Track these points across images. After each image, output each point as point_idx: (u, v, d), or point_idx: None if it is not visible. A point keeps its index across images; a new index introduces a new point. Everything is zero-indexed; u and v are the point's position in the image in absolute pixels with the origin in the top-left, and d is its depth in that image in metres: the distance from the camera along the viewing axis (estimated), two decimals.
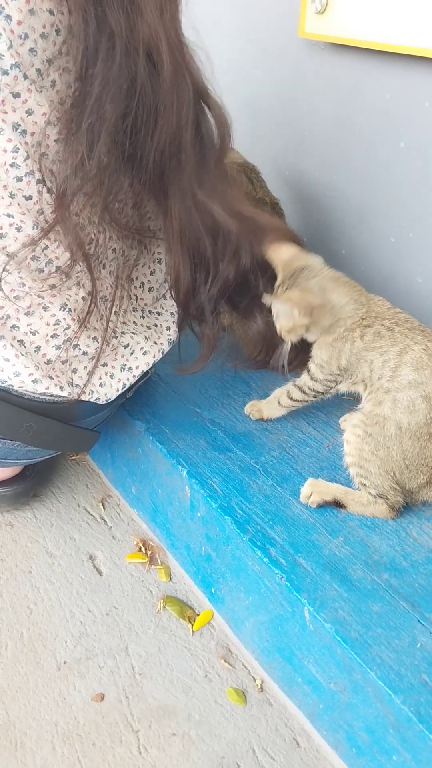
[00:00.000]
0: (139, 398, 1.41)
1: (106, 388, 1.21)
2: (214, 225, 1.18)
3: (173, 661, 1.17)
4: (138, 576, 1.32)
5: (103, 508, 1.48)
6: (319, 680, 1.01)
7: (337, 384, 1.17)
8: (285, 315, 1.13)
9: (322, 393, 1.19)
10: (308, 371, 1.19)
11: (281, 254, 1.17)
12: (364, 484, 1.12)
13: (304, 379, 1.20)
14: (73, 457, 1.61)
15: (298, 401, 1.24)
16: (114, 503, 1.49)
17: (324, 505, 1.15)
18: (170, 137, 1.05)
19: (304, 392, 1.21)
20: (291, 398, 1.23)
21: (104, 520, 1.45)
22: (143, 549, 1.37)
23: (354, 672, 0.93)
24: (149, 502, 1.38)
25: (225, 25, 1.72)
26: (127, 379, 1.23)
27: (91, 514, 1.46)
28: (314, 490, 1.15)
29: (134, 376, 1.23)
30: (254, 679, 1.15)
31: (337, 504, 1.15)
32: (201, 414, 1.38)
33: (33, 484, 1.46)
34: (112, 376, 1.21)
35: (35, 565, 1.33)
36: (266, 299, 1.14)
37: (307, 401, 1.23)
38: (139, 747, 1.05)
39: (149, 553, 1.37)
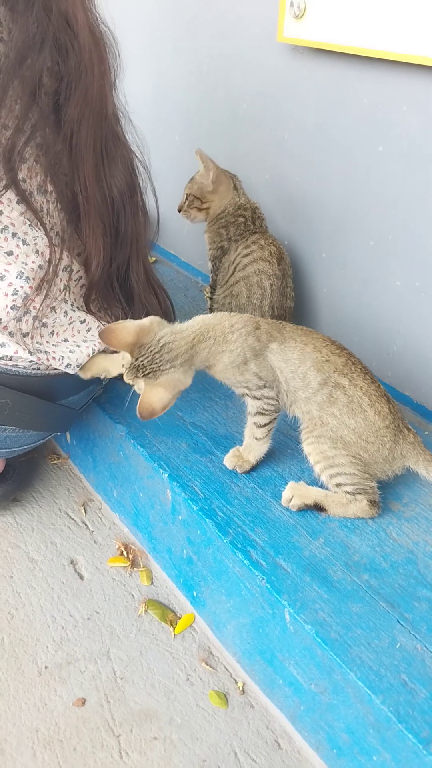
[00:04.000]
0: (120, 402, 1.41)
1: (77, 353, 1.21)
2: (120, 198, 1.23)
3: (155, 665, 1.17)
4: (120, 580, 1.32)
5: (85, 512, 1.47)
6: (300, 682, 1.01)
7: (273, 387, 1.15)
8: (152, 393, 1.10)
9: (277, 400, 1.16)
10: (250, 398, 1.16)
11: (124, 339, 1.09)
12: (340, 484, 1.13)
13: (254, 404, 1.16)
14: (54, 461, 1.60)
15: (268, 423, 1.19)
16: (95, 507, 1.49)
17: (305, 509, 1.15)
18: (93, 104, 1.11)
19: (265, 412, 1.17)
20: (261, 426, 1.19)
21: (86, 525, 1.44)
22: (125, 553, 1.37)
23: (334, 673, 0.93)
24: (131, 505, 1.38)
25: (204, 31, 1.73)
26: (92, 349, 1.23)
27: (73, 519, 1.45)
28: (295, 493, 1.15)
29: (95, 347, 1.23)
30: (236, 682, 1.15)
31: (318, 507, 1.15)
32: (182, 417, 1.38)
33: (13, 488, 1.45)
34: (78, 346, 1.22)
35: (16, 570, 1.33)
36: (144, 414, 1.09)
37: (275, 415, 1.19)
38: (120, 751, 1.05)
39: (131, 556, 1.36)
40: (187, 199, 1.56)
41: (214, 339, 1.11)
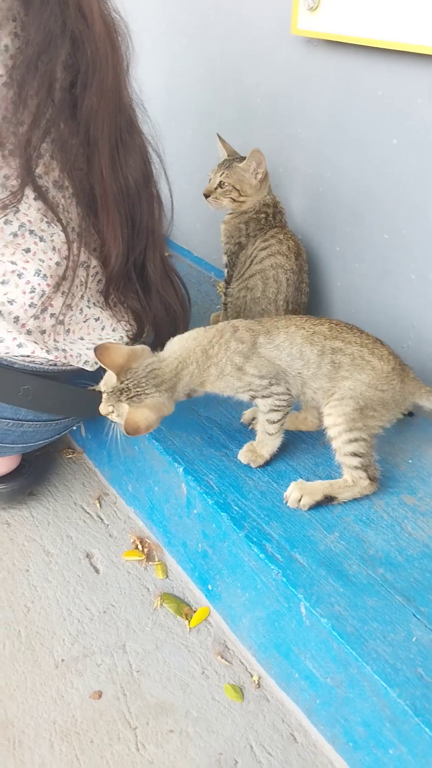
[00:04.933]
0: None
1: (92, 352, 1.21)
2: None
3: (170, 659, 1.17)
4: (135, 573, 1.33)
5: (100, 506, 1.48)
6: (315, 675, 1.01)
7: (280, 383, 1.15)
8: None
9: (288, 393, 1.16)
10: (259, 398, 1.16)
11: (115, 360, 1.10)
12: (353, 453, 1.13)
13: (265, 403, 1.16)
14: (69, 456, 1.61)
15: (281, 419, 1.19)
16: (110, 501, 1.49)
17: (315, 506, 1.15)
18: (108, 95, 1.11)
19: (277, 408, 1.17)
20: (273, 422, 1.19)
21: (101, 518, 1.45)
22: (140, 547, 1.38)
23: (350, 666, 0.93)
24: (146, 499, 1.38)
25: (216, 25, 1.72)
26: None
27: (88, 513, 1.46)
28: (304, 492, 1.15)
29: None
30: (251, 675, 1.15)
31: (328, 499, 1.15)
32: (197, 411, 1.38)
33: (29, 481, 1.46)
34: (94, 344, 1.23)
35: (32, 564, 1.33)
36: (129, 431, 1.08)
37: (287, 410, 1.18)
38: (137, 744, 1.05)
39: (146, 550, 1.37)
40: (221, 186, 1.49)
41: (196, 362, 1.12)
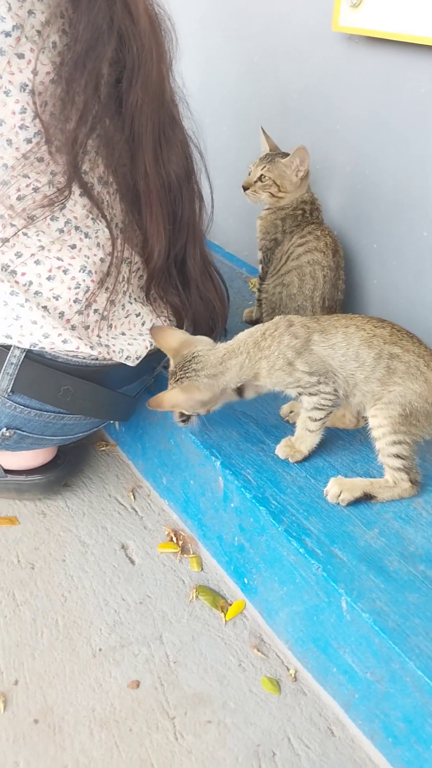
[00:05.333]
0: None
1: (135, 346, 1.23)
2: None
3: (207, 650, 1.18)
4: (170, 566, 1.34)
5: (134, 498, 1.49)
6: (355, 670, 1.02)
7: (329, 382, 1.15)
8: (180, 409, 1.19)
9: (335, 394, 1.16)
10: (305, 396, 1.16)
11: (169, 343, 1.18)
12: (396, 455, 1.13)
13: (311, 400, 1.16)
14: (103, 448, 1.62)
15: (323, 418, 1.19)
16: (144, 494, 1.51)
17: (354, 503, 1.15)
18: (152, 90, 1.12)
19: (322, 407, 1.17)
20: (315, 420, 1.19)
21: (135, 510, 1.46)
22: (174, 539, 1.39)
23: (392, 662, 0.94)
24: (180, 492, 1.39)
25: (254, 21, 1.72)
26: (149, 342, 1.26)
27: (122, 504, 1.47)
28: (344, 488, 1.15)
29: (152, 342, 1.26)
30: (288, 669, 1.16)
31: (367, 497, 1.15)
32: (232, 406, 1.38)
33: (64, 473, 1.48)
34: (135, 339, 1.24)
35: (69, 554, 1.35)
36: (150, 407, 1.17)
37: (331, 410, 1.19)
38: (175, 733, 1.06)
39: (180, 543, 1.38)
40: (261, 180, 1.49)
41: (247, 353, 1.14)
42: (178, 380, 1.15)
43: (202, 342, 1.18)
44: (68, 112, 1.03)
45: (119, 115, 1.12)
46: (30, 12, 0.98)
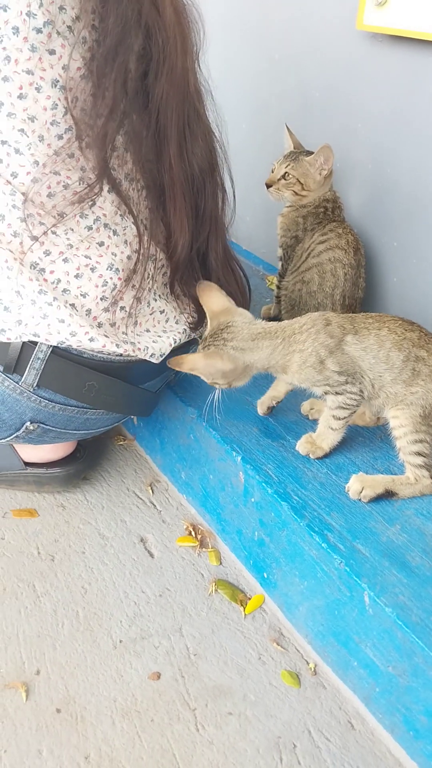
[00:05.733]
0: (189, 386, 1.43)
1: (159, 343, 1.24)
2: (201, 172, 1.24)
3: (227, 643, 1.19)
4: (189, 559, 1.35)
5: (152, 492, 1.50)
6: (376, 664, 1.03)
7: (356, 383, 1.16)
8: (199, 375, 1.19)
9: (360, 394, 1.16)
10: (332, 394, 1.17)
11: (211, 304, 1.20)
12: (418, 452, 1.14)
13: (336, 399, 1.17)
14: (121, 443, 1.63)
15: (347, 417, 1.20)
16: (162, 488, 1.51)
17: (375, 499, 1.16)
18: (177, 82, 1.12)
19: (346, 406, 1.18)
20: (339, 418, 1.20)
21: (153, 504, 1.47)
22: (193, 533, 1.39)
23: (415, 656, 0.95)
24: (199, 487, 1.40)
25: (275, 18, 1.73)
26: (174, 339, 1.27)
27: (141, 498, 1.48)
28: (365, 484, 1.16)
29: (175, 339, 1.27)
30: (307, 663, 1.17)
31: (389, 493, 1.16)
32: (252, 402, 1.39)
33: (84, 466, 1.49)
34: (159, 336, 1.26)
35: (88, 546, 1.36)
36: (170, 365, 1.17)
37: (355, 409, 1.19)
38: (196, 725, 1.07)
39: (199, 537, 1.39)
40: (285, 177, 1.50)
41: (283, 338, 1.15)
42: (206, 346, 1.15)
43: (242, 315, 1.18)
44: (98, 107, 1.04)
45: (146, 109, 1.12)
46: (61, 8, 0.98)
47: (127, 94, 1.06)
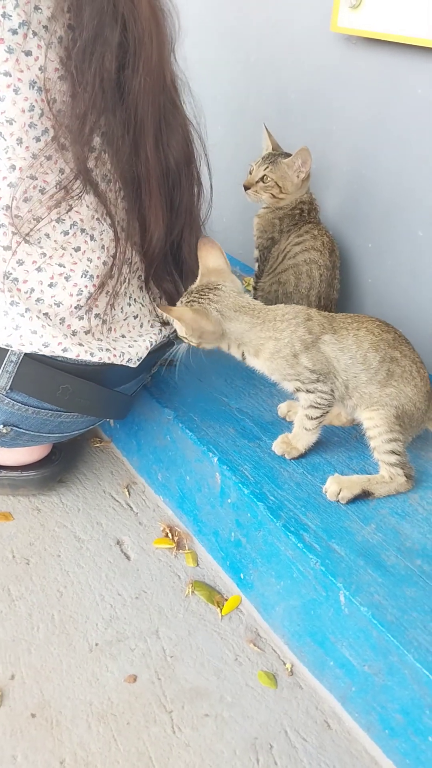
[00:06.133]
0: (166, 387, 1.42)
1: (135, 348, 1.24)
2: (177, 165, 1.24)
3: (203, 645, 1.19)
4: (166, 561, 1.34)
5: (129, 494, 1.49)
6: (352, 663, 1.03)
7: (327, 382, 1.17)
8: (178, 326, 1.18)
9: (331, 394, 1.17)
10: (303, 392, 1.17)
11: (208, 261, 1.19)
12: (392, 451, 1.15)
13: (307, 397, 1.17)
14: (97, 445, 1.63)
15: (320, 416, 1.20)
16: (139, 490, 1.51)
17: (353, 500, 1.16)
18: (153, 74, 1.10)
19: (318, 405, 1.18)
20: (312, 418, 1.20)
21: (130, 506, 1.46)
22: (170, 535, 1.39)
23: (390, 654, 0.95)
24: (176, 488, 1.40)
25: (252, 20, 1.73)
26: (149, 342, 1.26)
27: (117, 500, 1.48)
28: (342, 486, 1.16)
29: (151, 341, 1.27)
30: (284, 663, 1.17)
31: (365, 493, 1.17)
32: (228, 403, 1.39)
33: (59, 469, 1.47)
34: (135, 341, 1.25)
35: (64, 550, 1.35)
36: (159, 310, 1.19)
37: (327, 409, 1.19)
38: (173, 727, 1.07)
39: (176, 538, 1.38)
40: (263, 180, 1.49)
41: (263, 320, 1.15)
42: (190, 301, 1.15)
43: (234, 282, 1.18)
44: (77, 105, 1.03)
45: (123, 103, 1.11)
46: (36, 8, 0.98)
47: (104, 90, 1.05)
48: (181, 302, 1.17)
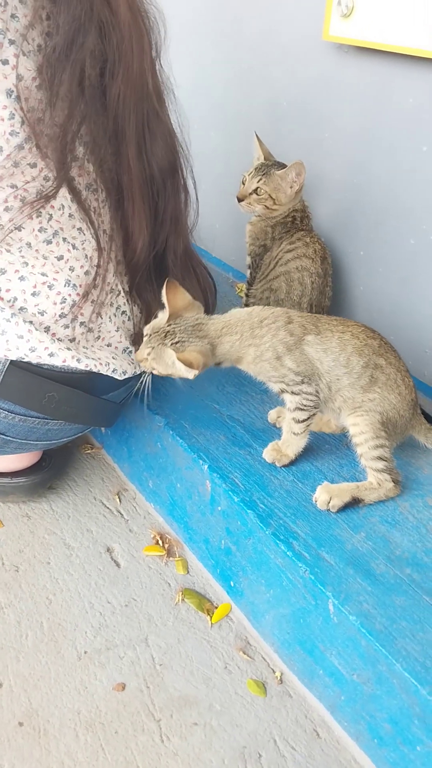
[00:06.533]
0: (157, 394, 1.42)
1: (119, 360, 1.23)
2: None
3: (193, 653, 1.19)
4: (156, 568, 1.34)
5: (119, 501, 1.49)
6: (341, 672, 1.03)
7: (312, 383, 1.17)
8: (171, 367, 1.13)
9: (316, 395, 1.17)
10: (288, 394, 1.17)
11: (176, 302, 1.16)
12: (379, 457, 1.16)
13: (293, 399, 1.17)
14: (88, 451, 1.62)
15: (306, 419, 1.20)
16: (130, 497, 1.50)
17: (344, 508, 1.16)
18: (135, 81, 1.10)
19: (304, 407, 1.18)
20: (299, 421, 1.20)
21: (120, 513, 1.46)
22: (160, 542, 1.39)
23: (379, 663, 0.95)
24: (167, 496, 1.39)
25: (246, 28, 1.74)
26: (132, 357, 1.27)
27: (108, 507, 1.47)
28: (332, 494, 1.16)
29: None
30: (273, 671, 1.16)
31: (355, 500, 1.17)
32: (219, 410, 1.39)
33: (49, 475, 1.47)
34: (120, 351, 1.25)
35: (53, 557, 1.34)
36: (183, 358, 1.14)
37: (314, 411, 1.19)
38: (161, 735, 1.06)
39: (166, 546, 1.38)
40: (256, 192, 1.48)
41: (241, 334, 1.15)
42: (176, 343, 1.12)
43: (200, 307, 1.18)
44: (55, 112, 1.02)
45: (104, 111, 1.11)
46: (12, 16, 0.97)
47: (84, 95, 1.05)
48: (162, 343, 1.13)
